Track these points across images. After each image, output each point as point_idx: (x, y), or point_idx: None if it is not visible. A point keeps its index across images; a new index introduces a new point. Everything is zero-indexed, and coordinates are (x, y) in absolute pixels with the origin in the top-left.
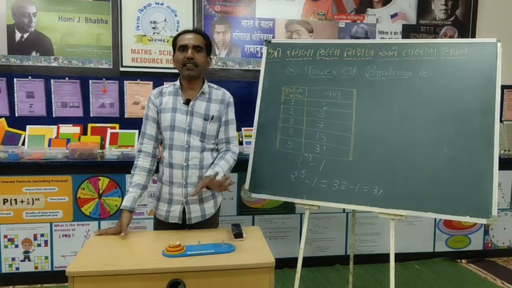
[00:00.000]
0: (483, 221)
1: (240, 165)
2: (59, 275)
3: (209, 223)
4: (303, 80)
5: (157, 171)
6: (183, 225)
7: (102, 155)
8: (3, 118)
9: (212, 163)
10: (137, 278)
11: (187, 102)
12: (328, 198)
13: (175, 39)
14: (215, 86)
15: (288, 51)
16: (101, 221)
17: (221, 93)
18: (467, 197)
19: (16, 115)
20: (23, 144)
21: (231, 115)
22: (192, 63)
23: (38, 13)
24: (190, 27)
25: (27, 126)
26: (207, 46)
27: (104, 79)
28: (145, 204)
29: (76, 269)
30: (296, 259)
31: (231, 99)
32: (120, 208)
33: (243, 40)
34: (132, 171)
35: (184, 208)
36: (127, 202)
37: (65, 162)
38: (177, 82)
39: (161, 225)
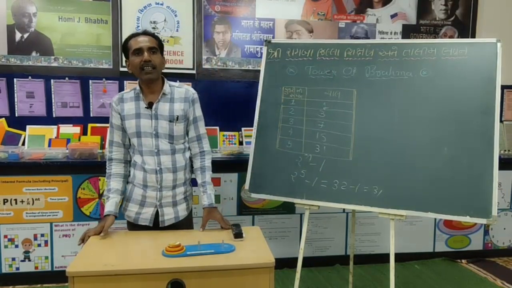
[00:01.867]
0: (483, 221)
1: (240, 165)
2: (59, 275)
3: (182, 225)
4: (303, 80)
5: None
6: (154, 228)
7: (102, 155)
8: (3, 118)
9: (185, 165)
10: (137, 278)
11: (149, 105)
12: (328, 198)
13: (126, 44)
14: (177, 84)
15: (288, 51)
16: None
17: (183, 91)
18: (467, 197)
19: (16, 115)
20: (23, 144)
21: (198, 111)
22: (150, 66)
23: (38, 13)
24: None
25: (27, 126)
26: (160, 47)
27: (104, 79)
28: None
29: (76, 269)
30: (296, 259)
31: (196, 95)
32: (105, 214)
33: (243, 40)
34: (107, 179)
35: (157, 210)
36: (111, 207)
37: (65, 162)
38: (137, 87)
39: (132, 227)
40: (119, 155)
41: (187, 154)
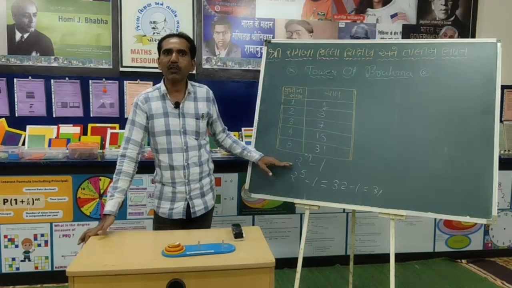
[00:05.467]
0: (483, 221)
1: (240, 165)
2: (59, 275)
3: (209, 214)
4: (303, 80)
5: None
6: (187, 219)
7: (102, 155)
8: (3, 118)
9: (208, 158)
10: (137, 278)
11: (176, 105)
12: (328, 198)
13: (160, 43)
14: (197, 84)
15: (288, 51)
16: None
17: (204, 91)
18: (467, 197)
19: (16, 115)
20: (23, 144)
21: (217, 108)
22: (176, 67)
23: (38, 13)
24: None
25: (27, 126)
26: (191, 50)
27: (104, 79)
28: (145, 204)
29: (76, 269)
30: (296, 259)
31: (213, 95)
32: (105, 213)
33: (243, 40)
34: (115, 176)
35: (188, 203)
36: (113, 207)
37: (65, 162)
38: (162, 86)
39: (163, 221)
40: (133, 153)
41: (208, 147)
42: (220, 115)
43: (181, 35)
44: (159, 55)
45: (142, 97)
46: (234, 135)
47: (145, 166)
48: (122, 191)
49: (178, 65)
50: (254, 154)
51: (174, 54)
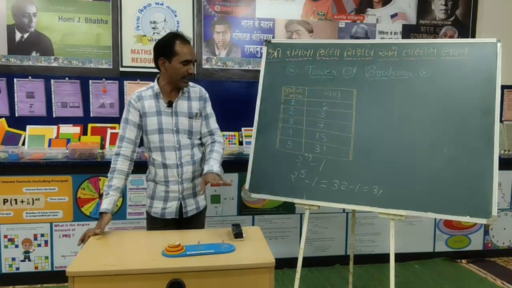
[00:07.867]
0: (483, 221)
1: (240, 165)
2: (59, 275)
3: (201, 214)
4: (303, 80)
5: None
6: (179, 219)
7: (102, 155)
8: (3, 118)
9: (202, 157)
10: (137, 278)
11: (169, 103)
12: (328, 198)
13: (173, 46)
14: (191, 83)
15: (288, 51)
16: None
17: (198, 90)
18: (467, 197)
19: (16, 115)
20: (23, 144)
21: (209, 109)
22: (190, 77)
23: (38, 13)
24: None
25: (27, 126)
26: None
27: (104, 79)
28: (145, 204)
29: (76, 269)
30: (296, 259)
31: (207, 95)
32: (101, 211)
33: (243, 40)
34: (110, 174)
35: (180, 203)
36: (108, 205)
37: (65, 162)
38: (155, 85)
39: (156, 222)
40: (128, 151)
41: (202, 148)
42: (216, 116)
43: (190, 42)
44: (169, 57)
45: (135, 96)
46: (221, 138)
47: (145, 166)
48: (117, 189)
49: (192, 74)
50: (204, 168)
51: (192, 67)
